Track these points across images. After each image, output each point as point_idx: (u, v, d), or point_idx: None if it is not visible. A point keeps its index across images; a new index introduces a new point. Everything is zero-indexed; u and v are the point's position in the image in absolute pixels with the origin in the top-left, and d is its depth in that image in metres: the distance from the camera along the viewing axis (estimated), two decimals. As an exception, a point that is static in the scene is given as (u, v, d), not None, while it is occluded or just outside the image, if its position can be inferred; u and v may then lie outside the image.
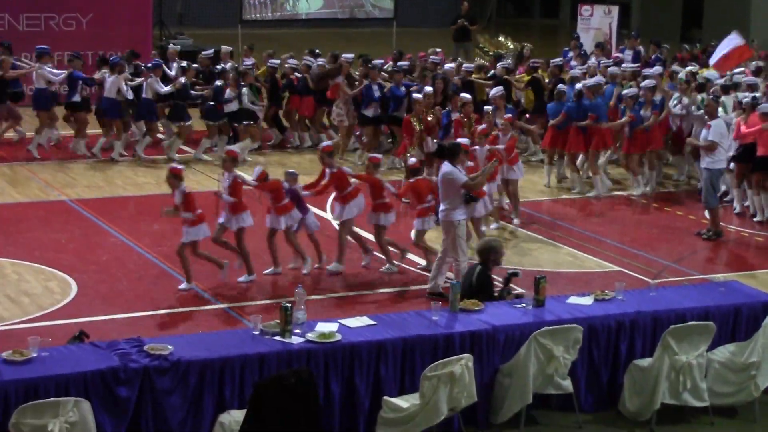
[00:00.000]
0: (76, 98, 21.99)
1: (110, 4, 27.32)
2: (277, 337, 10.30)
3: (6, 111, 22.37)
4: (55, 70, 22.23)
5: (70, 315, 13.69)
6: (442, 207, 14.05)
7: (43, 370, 9.42)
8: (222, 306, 14.15)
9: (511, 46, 28.43)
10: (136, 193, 18.96)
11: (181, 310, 13.99)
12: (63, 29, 26.91)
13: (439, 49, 25.43)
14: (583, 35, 29.06)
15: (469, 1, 32.54)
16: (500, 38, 29.84)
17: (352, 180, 15.45)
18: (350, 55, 23.84)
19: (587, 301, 11.60)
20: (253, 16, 39.12)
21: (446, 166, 13.90)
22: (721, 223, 17.71)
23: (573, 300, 11.65)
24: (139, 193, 18.89)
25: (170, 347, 9.94)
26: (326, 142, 16.73)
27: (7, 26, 26.62)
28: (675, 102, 20.57)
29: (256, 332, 10.41)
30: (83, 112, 22.14)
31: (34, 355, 9.64)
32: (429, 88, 20.41)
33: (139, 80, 22.21)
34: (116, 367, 9.60)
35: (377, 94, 21.83)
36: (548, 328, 10.83)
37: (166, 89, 21.87)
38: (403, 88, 21.76)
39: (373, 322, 10.81)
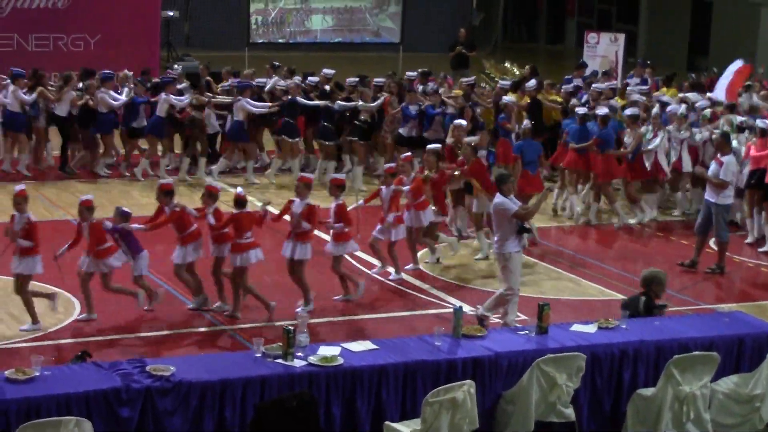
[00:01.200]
0: (137, 124, 22.00)
1: (118, 25, 27.44)
2: (280, 360, 10.30)
3: (89, 139, 22.17)
4: (116, 95, 21.92)
5: (73, 334, 13.71)
6: (495, 238, 13.86)
7: (45, 389, 9.42)
8: (225, 328, 14.14)
9: (517, 72, 28.40)
10: (139, 213, 18.89)
11: (183, 331, 14.00)
12: (71, 49, 27.04)
13: (413, 72, 25.00)
14: (590, 62, 29.08)
15: (467, 28, 32.48)
16: (506, 64, 29.83)
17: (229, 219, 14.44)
18: (331, 71, 23.89)
19: (591, 329, 11.58)
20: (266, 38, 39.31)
21: (497, 197, 13.72)
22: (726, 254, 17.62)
23: (576, 327, 11.64)
24: (142, 214, 18.84)
25: (172, 368, 9.93)
26: (166, 180, 15.21)
27: (15, 46, 26.76)
28: (649, 137, 20.21)
29: (259, 355, 10.41)
30: (142, 138, 22.21)
31: (37, 374, 9.66)
32: (462, 121, 19.70)
33: (222, 99, 22.31)
34: (118, 388, 9.60)
35: (414, 112, 21.92)
36: (551, 355, 10.81)
37: (260, 109, 21.81)
38: (439, 108, 21.89)
39: (375, 347, 10.81)
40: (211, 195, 14.52)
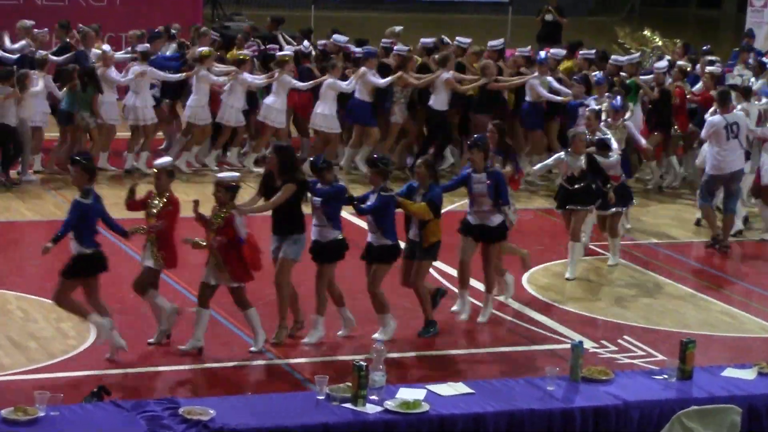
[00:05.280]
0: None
1: (151, -25, 27.71)
2: (348, 405, 10.35)
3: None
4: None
5: (87, 365, 13.84)
6: None
7: (51, 434, 9.55)
8: (278, 362, 14.21)
9: (660, 43, 28.23)
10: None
11: (226, 364, 14.07)
12: (91, 4, 27.33)
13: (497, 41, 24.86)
14: (756, 31, 28.81)
15: None
16: (645, 32, 29.67)
17: None
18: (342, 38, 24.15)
19: (748, 374, 11.52)
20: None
21: None
22: None
23: (729, 372, 11.58)
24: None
25: (212, 411, 10.02)
26: None
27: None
28: None
29: (321, 397, 10.47)
30: None
31: (42, 414, 9.76)
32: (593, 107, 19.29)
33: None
34: (143, 435, 9.72)
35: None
36: (696, 407, 10.76)
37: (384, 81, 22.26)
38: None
39: (470, 391, 10.84)
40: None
